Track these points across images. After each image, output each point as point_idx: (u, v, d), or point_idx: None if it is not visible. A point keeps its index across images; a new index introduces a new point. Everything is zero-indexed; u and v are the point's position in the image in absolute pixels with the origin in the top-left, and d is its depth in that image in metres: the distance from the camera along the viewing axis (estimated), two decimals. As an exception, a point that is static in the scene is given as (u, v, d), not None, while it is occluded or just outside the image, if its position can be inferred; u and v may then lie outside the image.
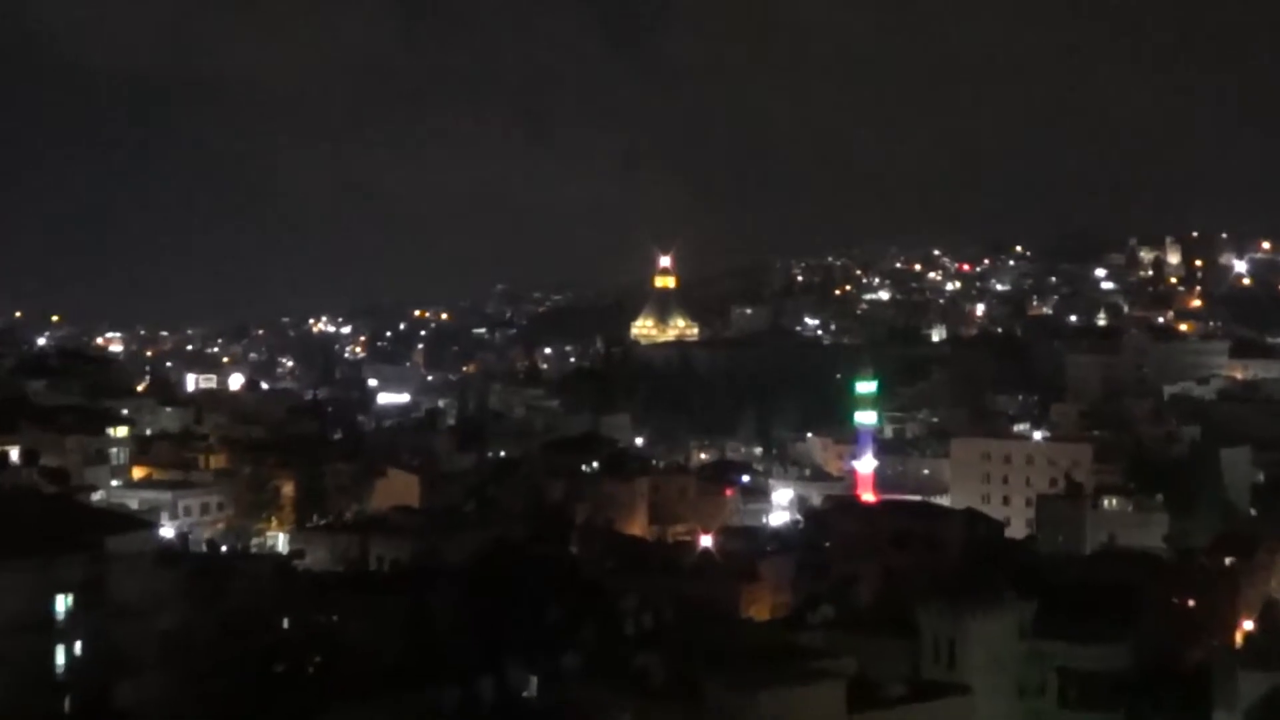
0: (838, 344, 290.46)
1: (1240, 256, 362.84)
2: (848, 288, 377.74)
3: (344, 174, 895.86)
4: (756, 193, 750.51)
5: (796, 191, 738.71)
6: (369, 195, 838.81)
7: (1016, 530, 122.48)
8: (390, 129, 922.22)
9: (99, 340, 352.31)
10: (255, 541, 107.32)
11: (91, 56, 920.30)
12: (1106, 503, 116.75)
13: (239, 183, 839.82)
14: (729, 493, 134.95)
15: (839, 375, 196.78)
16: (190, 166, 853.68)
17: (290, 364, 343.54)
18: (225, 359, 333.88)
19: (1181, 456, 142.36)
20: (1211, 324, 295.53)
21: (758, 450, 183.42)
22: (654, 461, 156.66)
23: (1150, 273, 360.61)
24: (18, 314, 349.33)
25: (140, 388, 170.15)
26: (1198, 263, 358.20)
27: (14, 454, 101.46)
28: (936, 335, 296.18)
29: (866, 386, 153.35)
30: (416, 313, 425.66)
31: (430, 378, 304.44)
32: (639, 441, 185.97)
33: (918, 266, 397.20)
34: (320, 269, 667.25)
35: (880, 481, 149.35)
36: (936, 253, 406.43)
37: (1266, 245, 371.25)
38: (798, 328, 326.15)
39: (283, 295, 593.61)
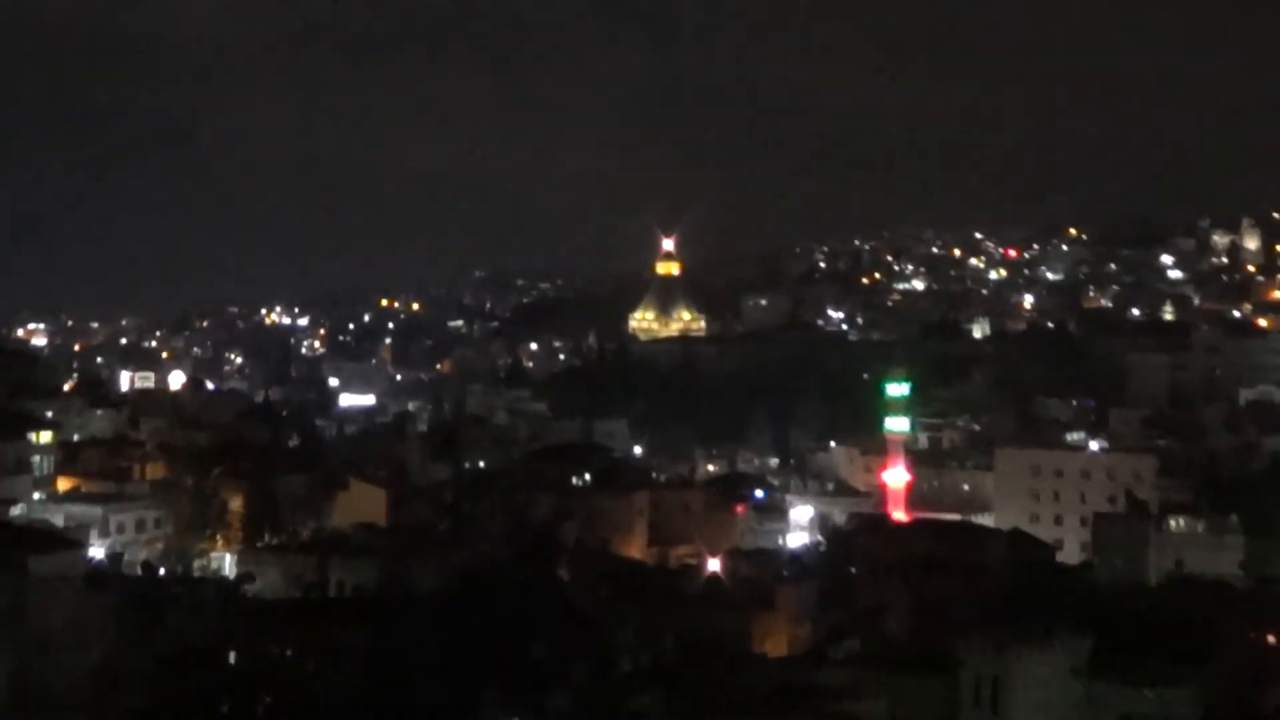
0: (866, 340, 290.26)
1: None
2: (877, 275, 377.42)
3: (299, 144, 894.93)
4: (773, 167, 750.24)
5: (819, 166, 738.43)
6: (328, 169, 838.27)
7: (1070, 554, 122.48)
8: (347, 90, 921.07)
9: (19, 332, 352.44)
10: (198, 564, 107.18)
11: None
12: (1173, 523, 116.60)
13: (178, 152, 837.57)
14: (740, 510, 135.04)
15: (867, 376, 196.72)
16: (120, 132, 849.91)
17: (239, 360, 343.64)
18: (164, 354, 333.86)
19: (1260, 470, 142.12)
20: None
21: (773, 461, 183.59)
22: (655, 474, 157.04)
23: (1224, 260, 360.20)
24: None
25: (67, 387, 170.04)
26: (1279, 248, 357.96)
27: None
28: (978, 330, 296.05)
29: (898, 389, 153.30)
30: (383, 302, 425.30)
31: (399, 377, 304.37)
32: (638, 451, 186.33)
33: (957, 252, 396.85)
34: (274, 251, 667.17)
35: (914, 498, 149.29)
36: (979, 236, 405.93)
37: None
38: (820, 321, 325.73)
39: (231, 281, 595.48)
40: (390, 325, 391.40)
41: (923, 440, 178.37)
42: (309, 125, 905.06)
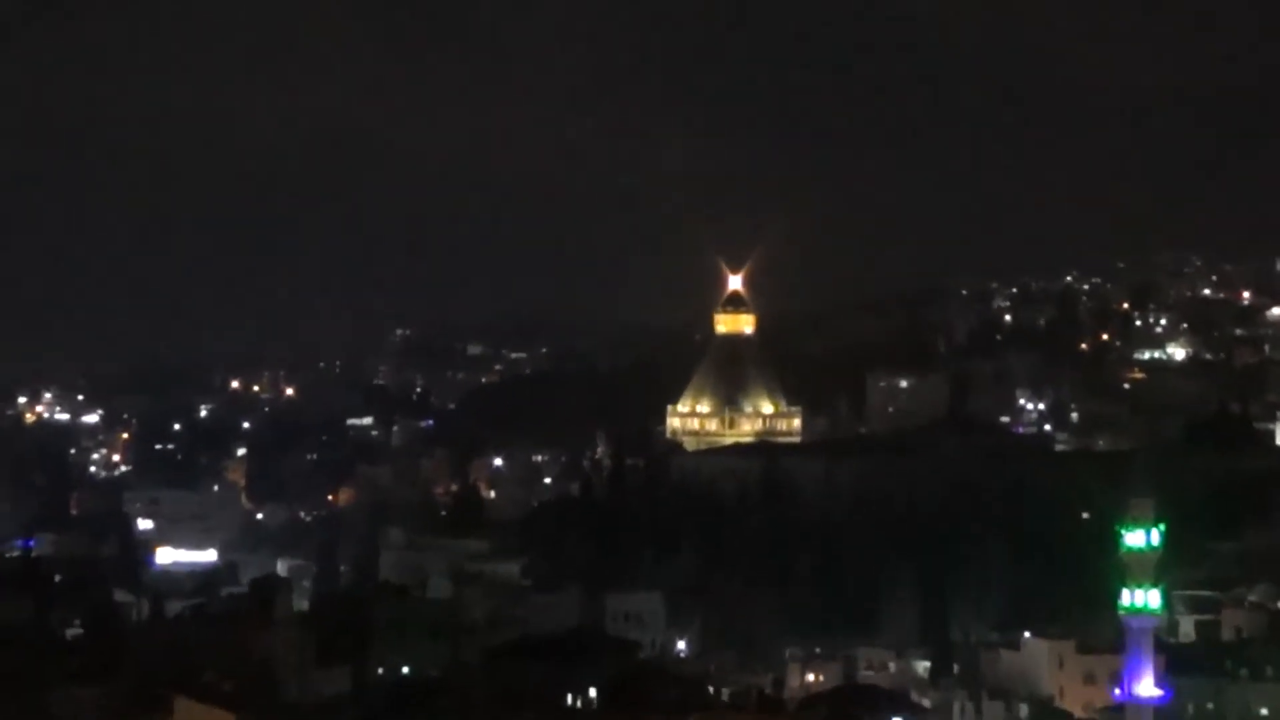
0: (1085, 450, 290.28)
1: None
2: (1104, 337, 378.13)
3: (81, 110, 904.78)
4: (913, 160, 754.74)
5: (994, 156, 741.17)
6: (134, 149, 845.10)
7: None
8: (180, 30, 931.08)
9: None
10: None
11: None
12: None
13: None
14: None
15: (1087, 514, 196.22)
16: None
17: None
18: None
19: None
20: None
21: (922, 665, 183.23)
22: (713, 687, 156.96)
23: None
24: None
25: None
26: None
27: None
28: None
29: (1143, 537, 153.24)
30: (234, 384, 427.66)
31: (260, 516, 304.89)
32: (682, 646, 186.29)
33: (1246, 295, 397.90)
34: (40, 295, 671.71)
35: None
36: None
37: None
38: (1003, 417, 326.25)
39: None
40: (245, 425, 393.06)
41: (1187, 628, 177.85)
42: (102, 80, 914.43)
